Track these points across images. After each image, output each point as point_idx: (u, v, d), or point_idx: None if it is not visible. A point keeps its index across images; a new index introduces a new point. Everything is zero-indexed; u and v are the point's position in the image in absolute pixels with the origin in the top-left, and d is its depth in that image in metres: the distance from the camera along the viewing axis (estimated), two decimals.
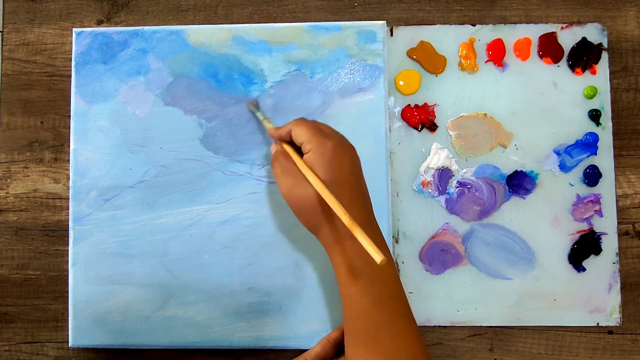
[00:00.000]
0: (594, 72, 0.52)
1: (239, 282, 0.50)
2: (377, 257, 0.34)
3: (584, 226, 0.51)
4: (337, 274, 0.41)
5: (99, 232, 0.50)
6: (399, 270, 0.51)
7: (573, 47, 0.52)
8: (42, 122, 0.53)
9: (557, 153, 0.52)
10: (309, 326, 0.49)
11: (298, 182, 0.40)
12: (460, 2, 0.54)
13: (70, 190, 0.50)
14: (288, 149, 0.43)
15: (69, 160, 0.51)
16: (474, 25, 0.53)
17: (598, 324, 0.50)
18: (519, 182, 0.51)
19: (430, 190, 0.52)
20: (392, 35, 0.53)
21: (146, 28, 0.51)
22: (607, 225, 0.51)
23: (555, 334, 0.51)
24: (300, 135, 0.42)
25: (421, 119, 0.52)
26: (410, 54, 0.53)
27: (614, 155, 0.52)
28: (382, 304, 0.40)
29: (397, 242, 0.51)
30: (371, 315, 0.40)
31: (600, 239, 0.51)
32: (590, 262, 0.51)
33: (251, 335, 0.49)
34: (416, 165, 0.52)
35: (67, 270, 0.50)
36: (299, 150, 0.43)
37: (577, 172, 0.52)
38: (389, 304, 0.40)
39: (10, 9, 0.55)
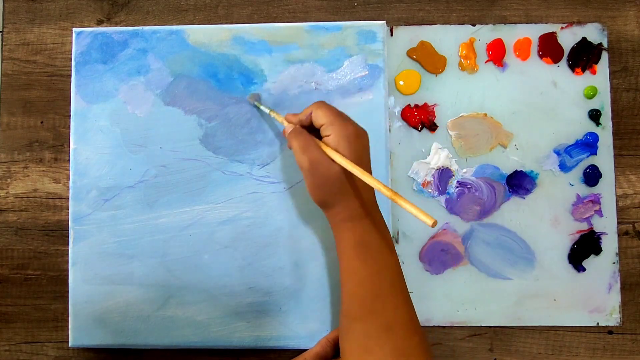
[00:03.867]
0: (594, 72, 0.52)
1: (238, 282, 0.50)
2: (429, 220, 0.36)
3: (584, 226, 0.51)
4: (341, 250, 0.43)
5: (98, 232, 0.50)
6: None
7: (573, 47, 0.52)
8: (42, 122, 0.53)
9: (557, 153, 0.52)
10: (309, 326, 0.49)
11: (323, 158, 0.41)
12: (460, 2, 0.54)
13: (70, 190, 0.50)
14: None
15: (69, 160, 0.51)
16: (474, 25, 0.53)
17: (598, 324, 0.50)
18: (519, 182, 0.51)
19: (430, 190, 0.52)
20: (392, 35, 0.53)
21: (146, 28, 0.51)
22: (607, 225, 0.51)
23: (555, 334, 0.51)
24: (322, 117, 0.42)
25: (421, 119, 0.52)
26: (410, 53, 0.53)
27: (614, 155, 0.52)
28: (383, 275, 0.42)
29: (397, 242, 0.51)
30: (373, 284, 0.41)
31: (600, 239, 0.51)
32: (590, 262, 0.51)
33: (251, 335, 0.49)
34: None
35: (67, 270, 0.50)
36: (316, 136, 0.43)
37: (577, 172, 0.52)
38: (389, 274, 0.42)
39: (10, 9, 0.55)
